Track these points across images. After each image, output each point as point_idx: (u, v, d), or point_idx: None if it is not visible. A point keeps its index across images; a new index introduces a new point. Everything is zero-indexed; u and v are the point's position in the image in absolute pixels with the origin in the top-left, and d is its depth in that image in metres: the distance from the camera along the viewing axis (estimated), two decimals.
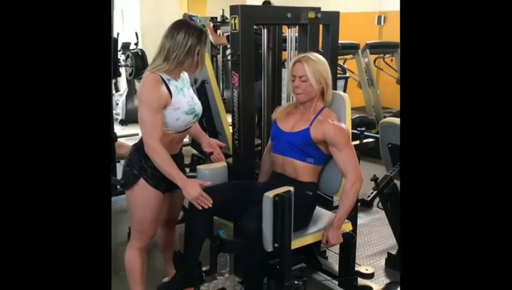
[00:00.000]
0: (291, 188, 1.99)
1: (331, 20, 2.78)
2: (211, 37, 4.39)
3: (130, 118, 6.84)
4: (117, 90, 6.43)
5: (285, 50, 3.06)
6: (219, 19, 5.13)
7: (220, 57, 5.27)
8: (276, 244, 1.99)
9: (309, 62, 2.19)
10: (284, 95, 3.05)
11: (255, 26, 2.54)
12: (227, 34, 4.43)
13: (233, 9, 2.39)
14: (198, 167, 2.31)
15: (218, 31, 4.82)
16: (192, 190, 2.01)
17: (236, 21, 2.36)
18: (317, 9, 2.66)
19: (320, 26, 2.75)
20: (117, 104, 7.00)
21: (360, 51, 5.51)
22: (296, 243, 2.10)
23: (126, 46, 6.38)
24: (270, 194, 1.96)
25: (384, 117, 4.46)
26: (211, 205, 2.02)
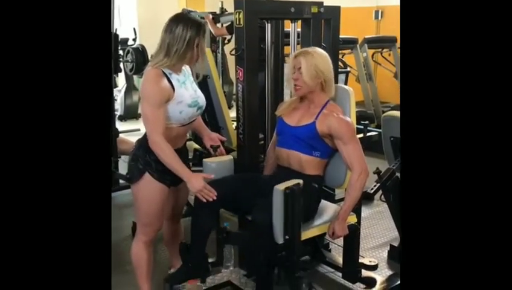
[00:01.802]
0: (301, 181, 2.01)
1: (332, 14, 2.81)
2: (211, 29, 4.38)
3: (129, 114, 6.84)
4: (115, 86, 6.42)
5: (287, 45, 3.08)
6: (218, 12, 5.11)
7: (219, 52, 5.26)
8: (286, 237, 2.00)
9: (306, 56, 2.20)
10: (286, 90, 3.06)
11: None
12: (226, 24, 4.40)
13: (238, 3, 2.40)
14: (204, 160, 2.32)
15: (218, 24, 4.80)
16: (197, 183, 2.03)
17: (241, 15, 2.37)
18: (319, 4, 2.68)
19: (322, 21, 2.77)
20: (115, 99, 6.99)
21: (358, 45, 5.52)
22: (303, 235, 2.11)
23: (124, 42, 6.36)
24: (280, 187, 1.96)
25: (383, 112, 4.48)
26: (215, 197, 2.04)
